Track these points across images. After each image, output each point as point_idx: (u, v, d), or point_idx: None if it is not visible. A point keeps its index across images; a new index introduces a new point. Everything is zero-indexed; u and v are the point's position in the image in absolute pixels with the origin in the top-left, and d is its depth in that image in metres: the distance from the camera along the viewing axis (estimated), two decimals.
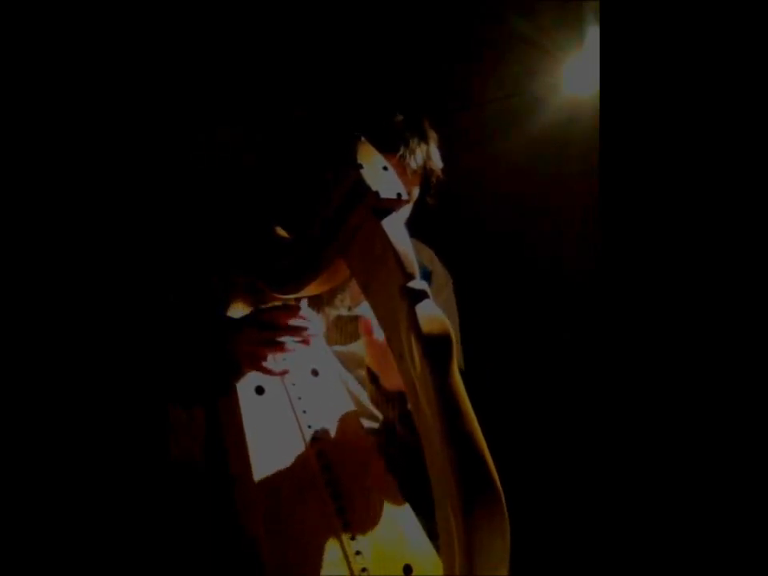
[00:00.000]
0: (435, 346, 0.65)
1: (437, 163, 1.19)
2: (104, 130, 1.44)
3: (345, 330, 1.21)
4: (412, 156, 1.13)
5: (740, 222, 0.81)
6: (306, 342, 1.02)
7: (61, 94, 1.39)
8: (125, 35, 1.44)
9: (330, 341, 1.18)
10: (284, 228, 1.01)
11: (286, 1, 1.55)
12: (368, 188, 0.76)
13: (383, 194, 0.76)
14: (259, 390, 1.01)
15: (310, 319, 1.04)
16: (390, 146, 1.10)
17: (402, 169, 1.11)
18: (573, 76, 1.66)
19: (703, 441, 0.82)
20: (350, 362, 1.20)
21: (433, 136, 1.20)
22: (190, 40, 1.49)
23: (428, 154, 1.17)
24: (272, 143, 1.27)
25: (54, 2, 1.35)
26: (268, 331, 0.98)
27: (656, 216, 0.86)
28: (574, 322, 1.71)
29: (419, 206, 1.22)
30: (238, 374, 1.00)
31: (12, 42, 1.32)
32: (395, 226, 0.75)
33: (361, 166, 0.78)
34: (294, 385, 1.05)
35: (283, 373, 1.01)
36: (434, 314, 0.67)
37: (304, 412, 1.02)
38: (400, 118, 1.17)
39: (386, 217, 0.75)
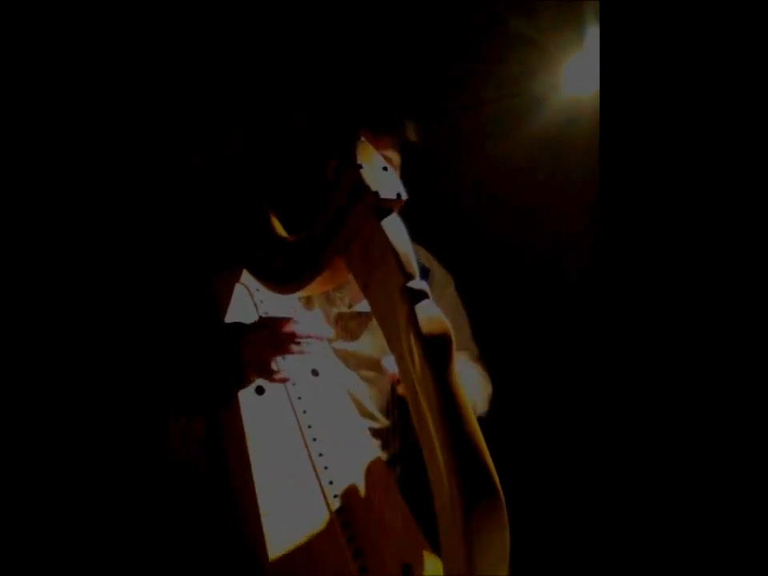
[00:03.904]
0: (435, 347, 0.65)
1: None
2: (104, 134, 1.44)
3: (346, 327, 1.21)
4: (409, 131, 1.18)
5: (740, 220, 0.81)
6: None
7: (60, 92, 1.39)
8: (125, 36, 1.43)
9: (332, 338, 1.19)
10: (285, 228, 1.01)
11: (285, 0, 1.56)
12: (367, 188, 0.76)
13: (383, 195, 0.76)
14: (259, 391, 1.01)
15: (317, 321, 1.04)
16: (390, 126, 1.15)
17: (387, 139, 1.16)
18: (573, 76, 1.65)
19: (702, 440, 0.82)
20: (351, 361, 1.20)
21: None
22: (190, 40, 1.49)
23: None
24: (273, 143, 1.27)
25: (56, 3, 1.35)
26: (277, 336, 0.98)
27: (656, 216, 0.86)
28: (573, 323, 1.71)
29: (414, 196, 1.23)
30: (245, 382, 1.00)
31: (14, 45, 1.32)
32: (395, 227, 0.75)
33: (360, 166, 0.78)
34: (294, 385, 1.05)
35: (286, 380, 1.01)
36: (434, 315, 0.67)
37: (304, 412, 1.02)
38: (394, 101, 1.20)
39: (385, 217, 0.75)
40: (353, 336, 1.22)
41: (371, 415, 1.20)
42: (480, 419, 0.64)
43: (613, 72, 0.90)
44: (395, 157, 1.20)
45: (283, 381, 0.99)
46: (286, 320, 0.99)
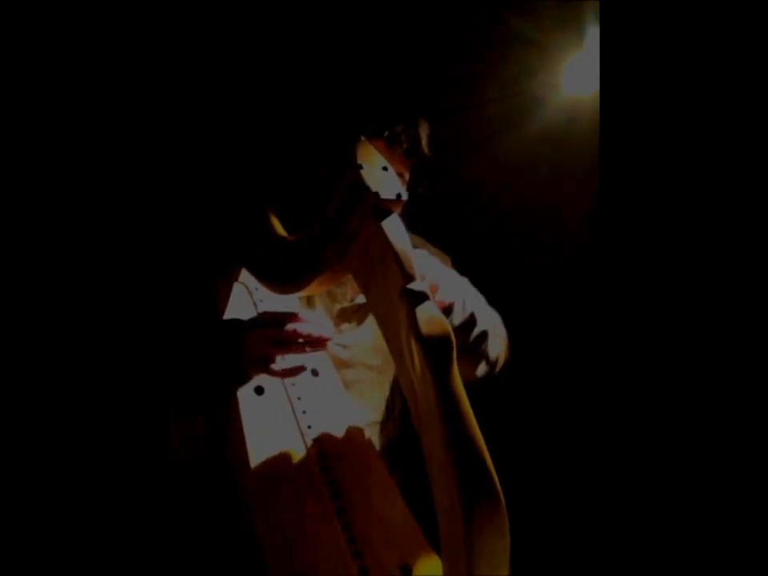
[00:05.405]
0: (436, 348, 0.64)
1: (424, 146, 1.21)
2: (104, 135, 1.44)
3: (349, 321, 1.21)
4: (397, 138, 1.16)
5: (740, 219, 0.81)
6: (320, 343, 1.01)
7: (60, 92, 1.39)
8: (124, 36, 1.43)
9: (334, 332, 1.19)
10: (286, 228, 1.01)
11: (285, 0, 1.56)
12: (367, 189, 0.76)
13: (383, 195, 0.76)
14: (258, 391, 1.01)
15: (323, 323, 1.04)
16: (374, 129, 1.13)
17: (389, 152, 1.14)
18: (573, 76, 1.66)
19: (703, 441, 0.82)
20: (356, 351, 1.20)
21: (421, 120, 1.21)
22: (189, 40, 1.49)
23: (415, 135, 1.19)
24: (273, 143, 1.27)
25: (54, 3, 1.35)
26: (279, 330, 0.98)
27: (656, 216, 0.86)
28: (573, 322, 1.71)
29: (414, 197, 1.23)
30: (246, 379, 1.00)
31: (12, 43, 1.31)
32: (395, 227, 0.74)
33: (360, 167, 0.78)
34: (293, 385, 1.05)
35: (293, 373, 1.01)
36: (435, 316, 0.67)
37: (304, 412, 1.02)
38: (385, 103, 1.20)
39: (385, 218, 0.75)
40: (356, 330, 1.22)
41: (376, 406, 1.21)
42: (479, 420, 0.64)
43: (613, 72, 0.89)
44: (406, 174, 1.21)
45: (284, 375, 0.99)
46: (289, 315, 0.99)
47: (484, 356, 1.16)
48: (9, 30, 1.31)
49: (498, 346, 1.20)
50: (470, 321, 1.11)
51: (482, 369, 1.17)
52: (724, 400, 0.81)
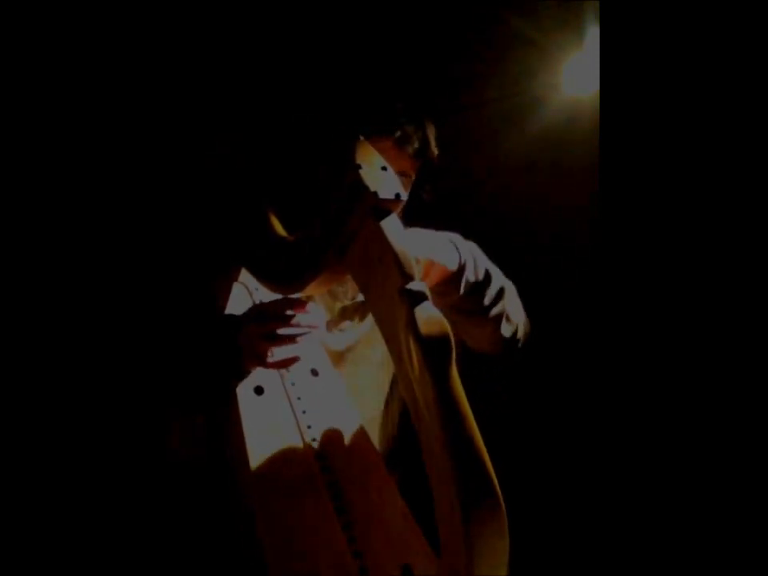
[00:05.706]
0: (434, 348, 0.64)
1: (433, 148, 1.20)
2: (104, 134, 1.44)
3: (351, 319, 1.22)
4: (408, 138, 1.14)
5: (740, 221, 0.81)
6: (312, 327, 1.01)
7: (60, 92, 1.39)
8: (124, 36, 1.43)
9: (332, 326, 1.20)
10: (285, 228, 1.01)
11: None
12: (366, 188, 0.76)
13: (382, 195, 0.76)
14: (258, 391, 1.01)
15: (314, 311, 1.04)
16: (386, 128, 1.12)
17: (398, 152, 1.13)
18: (573, 76, 1.66)
19: (703, 441, 0.82)
20: (359, 348, 1.20)
21: (429, 123, 1.21)
22: (189, 39, 1.49)
23: (424, 137, 1.18)
24: (273, 143, 1.27)
25: (54, 3, 1.35)
26: (270, 323, 0.98)
27: (656, 216, 0.86)
28: (573, 322, 1.71)
29: (417, 199, 1.22)
30: (242, 376, 1.00)
31: (12, 44, 1.31)
32: (394, 227, 0.74)
33: (359, 167, 0.78)
34: (293, 385, 1.05)
35: (289, 363, 1.01)
36: (434, 316, 0.67)
37: (303, 412, 1.02)
38: (397, 103, 1.18)
39: (384, 217, 0.75)
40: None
41: (376, 403, 1.21)
42: (478, 421, 0.64)
43: (613, 72, 0.89)
44: (413, 175, 1.19)
45: (279, 367, 0.99)
46: (279, 304, 0.99)
47: (505, 314, 1.13)
48: (9, 30, 1.31)
49: (518, 308, 1.18)
50: (485, 278, 1.09)
51: (507, 328, 1.14)
52: (724, 398, 0.81)
